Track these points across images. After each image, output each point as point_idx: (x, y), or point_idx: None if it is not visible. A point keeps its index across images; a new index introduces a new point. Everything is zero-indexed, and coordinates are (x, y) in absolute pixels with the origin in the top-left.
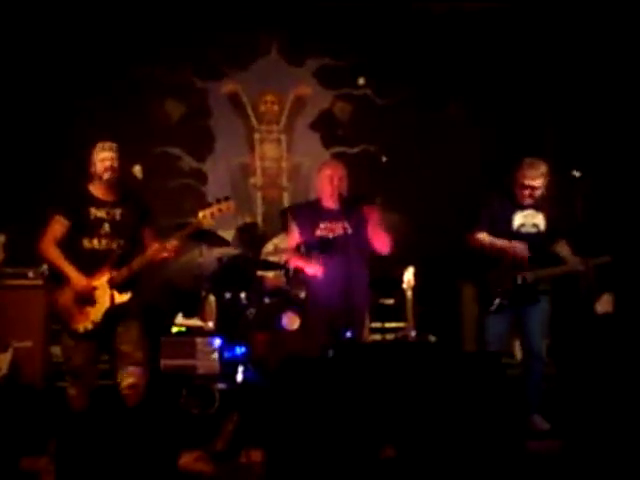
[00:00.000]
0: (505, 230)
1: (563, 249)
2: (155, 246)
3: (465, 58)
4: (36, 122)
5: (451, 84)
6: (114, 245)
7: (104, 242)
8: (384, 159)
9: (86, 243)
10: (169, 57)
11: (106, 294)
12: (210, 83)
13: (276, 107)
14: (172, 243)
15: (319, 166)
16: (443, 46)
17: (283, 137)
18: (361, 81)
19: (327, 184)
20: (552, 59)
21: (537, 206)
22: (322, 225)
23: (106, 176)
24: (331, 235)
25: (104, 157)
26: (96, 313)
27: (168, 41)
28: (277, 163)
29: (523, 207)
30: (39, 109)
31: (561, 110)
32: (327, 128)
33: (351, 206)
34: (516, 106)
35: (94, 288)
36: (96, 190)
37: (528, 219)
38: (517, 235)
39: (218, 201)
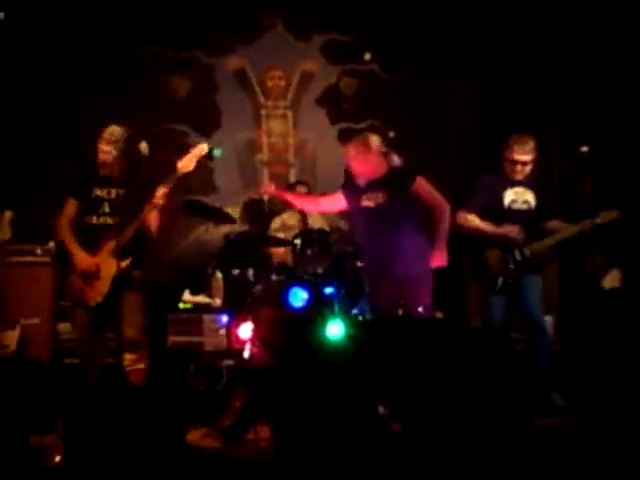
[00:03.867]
0: (497, 208)
1: (555, 225)
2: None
3: (470, 31)
4: (43, 100)
5: (457, 58)
6: (111, 221)
7: (102, 219)
8: (391, 134)
9: (87, 219)
10: (175, 34)
11: (109, 265)
12: (216, 59)
13: (282, 83)
14: (155, 197)
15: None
16: (448, 20)
17: (289, 113)
18: (367, 56)
19: (350, 166)
20: (557, 32)
21: (527, 183)
22: (364, 196)
23: (103, 170)
24: (372, 205)
25: (101, 150)
26: (103, 285)
27: (174, 17)
28: (283, 139)
29: (513, 184)
30: (46, 87)
31: (567, 84)
32: (333, 103)
33: (392, 177)
34: (521, 80)
35: (97, 263)
36: (103, 171)
37: (519, 196)
38: (509, 212)
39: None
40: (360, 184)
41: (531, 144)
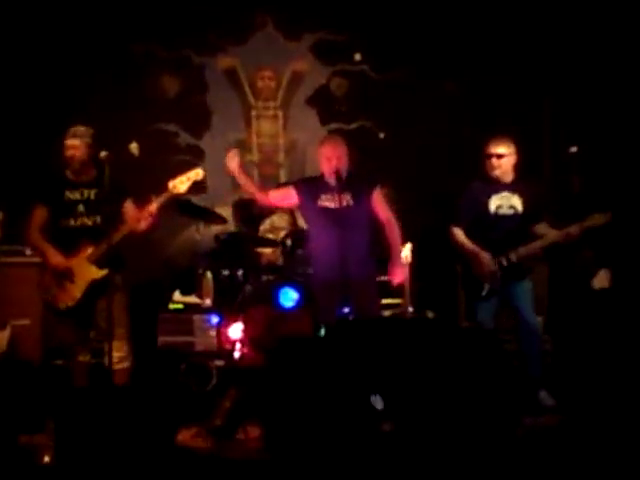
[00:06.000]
0: (483, 214)
1: (542, 229)
2: (132, 217)
3: (462, 31)
4: (34, 100)
5: (448, 59)
6: (90, 222)
7: (80, 220)
8: (381, 135)
9: (63, 222)
10: (165, 33)
11: (85, 270)
12: (207, 59)
13: (273, 83)
14: (147, 211)
15: (319, 142)
16: (439, 20)
17: (280, 113)
18: (358, 57)
19: (325, 163)
20: (549, 34)
21: (512, 187)
22: (323, 197)
23: (72, 164)
24: (332, 206)
25: (68, 145)
26: (76, 290)
27: (164, 17)
28: (273, 139)
29: (498, 189)
30: (37, 88)
31: (559, 84)
32: (324, 104)
33: (354, 180)
34: (513, 81)
35: (70, 266)
36: (71, 173)
37: (504, 201)
38: (495, 218)
39: (187, 170)
40: (324, 183)
41: (507, 141)
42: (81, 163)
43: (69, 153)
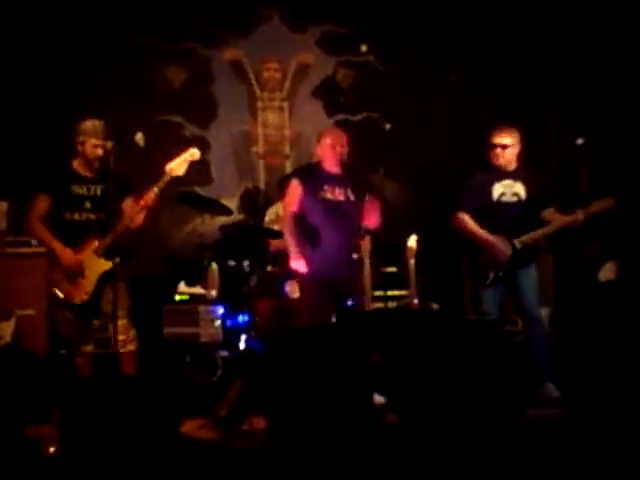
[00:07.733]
0: (486, 202)
1: (550, 214)
2: (131, 207)
3: (467, 24)
4: (39, 90)
5: (454, 51)
6: (94, 217)
7: (85, 215)
8: (387, 126)
9: (67, 216)
10: (170, 25)
11: (94, 263)
12: (212, 50)
13: (279, 74)
14: (145, 199)
15: (320, 133)
16: (445, 13)
17: (285, 104)
18: (364, 48)
19: (329, 152)
20: (555, 25)
21: (516, 175)
22: (326, 187)
23: (96, 163)
24: (334, 198)
25: (96, 144)
26: (89, 284)
27: (169, 8)
28: (279, 131)
29: (502, 177)
30: (42, 78)
31: (563, 77)
32: (330, 95)
33: (355, 175)
34: (518, 73)
35: (81, 261)
36: (79, 167)
37: (508, 188)
38: (498, 206)
39: (182, 151)
40: (325, 172)
41: (511, 130)
42: (98, 162)
43: (92, 152)
